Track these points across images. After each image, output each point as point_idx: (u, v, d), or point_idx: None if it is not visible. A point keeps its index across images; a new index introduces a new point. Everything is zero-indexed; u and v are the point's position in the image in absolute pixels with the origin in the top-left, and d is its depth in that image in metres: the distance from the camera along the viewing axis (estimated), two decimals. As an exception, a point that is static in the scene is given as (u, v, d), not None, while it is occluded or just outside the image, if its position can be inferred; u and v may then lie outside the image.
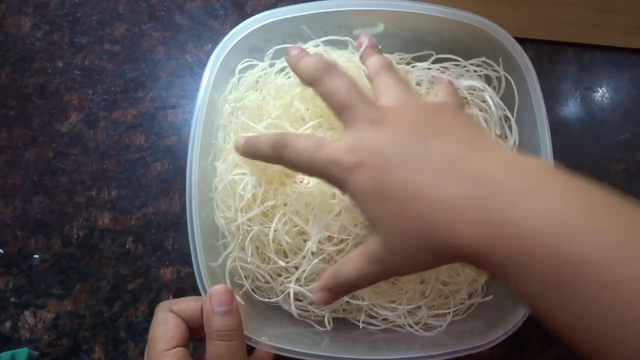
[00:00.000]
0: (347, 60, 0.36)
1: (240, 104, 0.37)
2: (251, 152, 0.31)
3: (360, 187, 0.26)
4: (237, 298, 0.31)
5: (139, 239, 0.42)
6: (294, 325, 0.36)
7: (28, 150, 0.43)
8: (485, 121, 0.36)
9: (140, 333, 0.41)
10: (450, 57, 0.37)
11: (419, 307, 0.36)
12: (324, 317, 0.36)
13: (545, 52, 0.46)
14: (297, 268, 0.34)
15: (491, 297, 0.36)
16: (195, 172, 0.34)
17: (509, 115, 0.37)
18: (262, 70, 0.38)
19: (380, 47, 0.34)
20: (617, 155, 0.45)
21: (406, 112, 0.27)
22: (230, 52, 0.35)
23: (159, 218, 0.42)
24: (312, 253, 0.33)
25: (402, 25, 0.38)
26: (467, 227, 0.23)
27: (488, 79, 0.38)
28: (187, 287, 0.41)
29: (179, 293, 0.41)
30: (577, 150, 0.44)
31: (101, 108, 0.44)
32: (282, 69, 0.38)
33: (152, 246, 0.42)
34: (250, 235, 0.34)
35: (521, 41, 0.36)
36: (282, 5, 0.42)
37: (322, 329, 0.36)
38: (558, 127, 0.44)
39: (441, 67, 0.38)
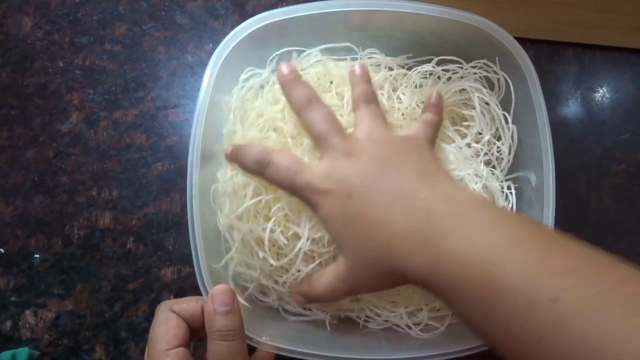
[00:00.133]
0: (344, 69, 0.37)
1: (243, 112, 0.37)
2: (238, 161, 0.34)
3: (329, 213, 0.30)
4: (239, 298, 0.31)
5: (139, 239, 0.42)
6: (295, 326, 0.36)
7: (29, 149, 0.43)
8: (480, 133, 0.37)
9: (141, 333, 0.41)
10: (452, 59, 0.38)
11: (420, 309, 0.36)
12: (324, 317, 0.36)
13: (546, 52, 0.46)
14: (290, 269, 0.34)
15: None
16: (196, 171, 0.34)
17: (506, 117, 0.37)
18: (264, 77, 0.38)
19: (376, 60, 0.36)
20: (618, 155, 0.45)
21: (373, 146, 0.31)
22: (231, 52, 0.35)
23: (160, 218, 0.42)
24: (304, 253, 0.33)
25: (402, 25, 0.38)
26: (414, 256, 0.26)
27: (488, 80, 0.38)
28: (188, 287, 0.41)
29: (180, 293, 0.41)
30: (577, 150, 0.44)
31: (102, 108, 0.44)
32: None
33: (153, 246, 0.42)
34: (250, 237, 0.34)
35: (521, 41, 0.36)
36: (282, 6, 0.42)
37: (322, 329, 0.36)
38: (558, 127, 0.44)
39: (442, 69, 0.38)
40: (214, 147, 0.36)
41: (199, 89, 0.35)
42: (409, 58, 0.39)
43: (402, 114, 0.37)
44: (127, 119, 0.44)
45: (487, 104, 0.38)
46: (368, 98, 0.34)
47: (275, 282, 0.35)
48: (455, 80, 0.38)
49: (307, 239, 0.33)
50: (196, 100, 0.35)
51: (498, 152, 0.38)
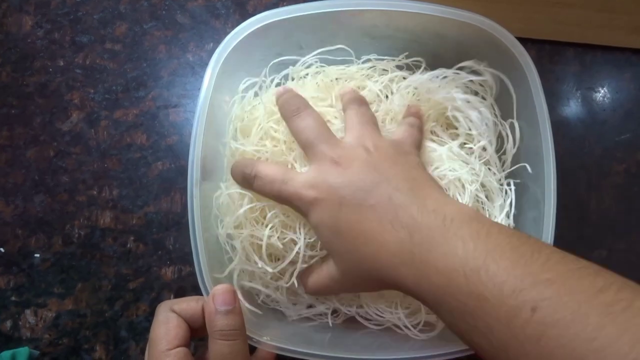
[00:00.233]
0: (341, 74, 0.38)
1: (241, 123, 0.37)
2: (232, 177, 0.35)
3: (319, 221, 0.30)
4: (240, 298, 0.31)
5: (140, 238, 0.42)
6: (296, 326, 0.36)
7: (29, 149, 0.43)
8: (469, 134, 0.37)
9: (141, 332, 0.41)
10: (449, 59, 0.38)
11: (419, 310, 0.36)
12: (325, 317, 0.36)
13: (546, 52, 0.46)
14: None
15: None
16: (196, 171, 0.34)
17: (502, 122, 0.37)
18: (258, 85, 0.39)
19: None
20: (618, 155, 0.45)
21: (362, 153, 0.31)
22: (232, 52, 0.35)
23: (160, 217, 0.42)
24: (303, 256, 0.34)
25: (402, 25, 0.38)
26: (403, 268, 0.27)
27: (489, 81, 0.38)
28: (189, 286, 0.41)
29: (180, 292, 0.41)
30: (578, 150, 0.44)
31: (102, 107, 0.44)
32: (278, 85, 0.39)
33: (153, 245, 0.42)
34: (248, 245, 0.34)
35: (522, 41, 0.36)
36: (283, 5, 0.42)
37: (323, 329, 0.36)
38: (559, 127, 0.44)
39: (443, 74, 0.38)
40: (214, 164, 0.36)
41: (199, 89, 0.35)
42: (407, 57, 0.39)
43: (392, 119, 0.37)
44: (127, 118, 0.44)
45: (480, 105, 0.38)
46: (358, 101, 0.35)
47: (276, 288, 0.36)
48: (442, 87, 0.38)
49: (301, 247, 0.33)
50: (197, 100, 0.35)
51: (498, 151, 0.38)
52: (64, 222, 0.42)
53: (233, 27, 0.36)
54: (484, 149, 0.37)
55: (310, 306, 0.37)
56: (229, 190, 0.35)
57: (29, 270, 0.41)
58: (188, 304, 0.32)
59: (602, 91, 0.46)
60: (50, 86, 0.44)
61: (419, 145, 0.35)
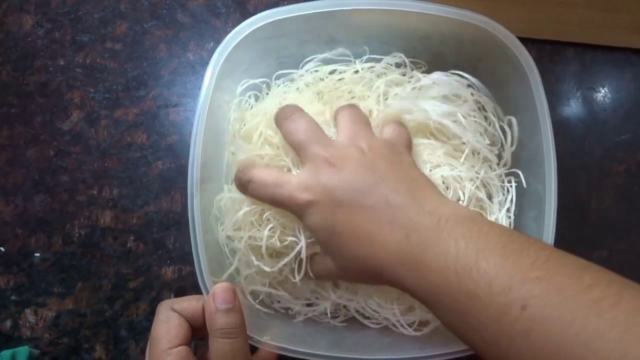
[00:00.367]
0: (338, 80, 0.38)
1: (241, 128, 0.37)
2: (235, 182, 0.35)
3: (315, 223, 0.30)
4: (240, 296, 0.31)
5: (140, 238, 0.42)
6: (297, 326, 0.36)
7: (29, 148, 0.43)
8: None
9: (141, 332, 0.41)
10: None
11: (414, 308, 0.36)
12: (326, 318, 0.36)
13: (547, 51, 0.46)
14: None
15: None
16: (196, 171, 0.34)
17: (499, 119, 0.37)
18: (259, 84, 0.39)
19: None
20: (619, 156, 0.45)
21: (356, 153, 0.31)
22: (233, 51, 0.35)
23: (161, 217, 0.42)
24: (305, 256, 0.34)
25: (403, 25, 0.38)
26: (402, 268, 0.28)
27: (490, 81, 0.38)
28: (189, 285, 0.41)
29: (180, 292, 0.41)
30: (578, 151, 0.44)
31: (103, 106, 0.44)
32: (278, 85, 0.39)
33: (153, 245, 0.42)
34: (247, 247, 0.34)
35: (522, 41, 0.36)
36: (284, 4, 0.42)
37: (324, 329, 0.36)
38: (559, 127, 0.44)
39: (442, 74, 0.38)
40: (214, 164, 0.36)
41: (200, 88, 0.35)
42: (407, 57, 0.39)
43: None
44: (128, 118, 0.44)
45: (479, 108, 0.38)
46: (348, 104, 0.35)
47: (278, 282, 0.36)
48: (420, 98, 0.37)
49: (302, 247, 0.33)
50: (197, 99, 0.35)
51: (498, 149, 0.38)
52: (64, 222, 0.42)
53: (234, 26, 0.36)
54: (476, 153, 0.37)
55: (309, 305, 0.37)
56: (230, 194, 0.35)
57: (29, 269, 0.41)
58: (189, 303, 0.32)
59: (603, 91, 0.46)
60: (51, 85, 0.44)
61: (409, 145, 0.35)
